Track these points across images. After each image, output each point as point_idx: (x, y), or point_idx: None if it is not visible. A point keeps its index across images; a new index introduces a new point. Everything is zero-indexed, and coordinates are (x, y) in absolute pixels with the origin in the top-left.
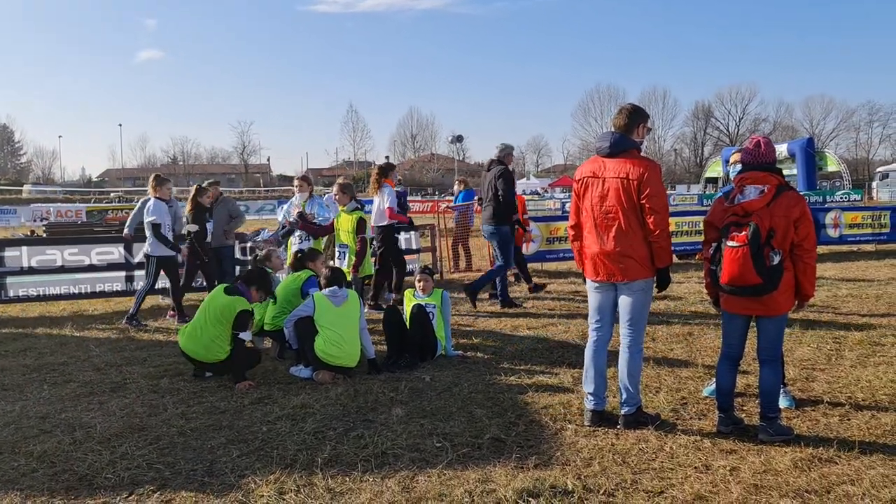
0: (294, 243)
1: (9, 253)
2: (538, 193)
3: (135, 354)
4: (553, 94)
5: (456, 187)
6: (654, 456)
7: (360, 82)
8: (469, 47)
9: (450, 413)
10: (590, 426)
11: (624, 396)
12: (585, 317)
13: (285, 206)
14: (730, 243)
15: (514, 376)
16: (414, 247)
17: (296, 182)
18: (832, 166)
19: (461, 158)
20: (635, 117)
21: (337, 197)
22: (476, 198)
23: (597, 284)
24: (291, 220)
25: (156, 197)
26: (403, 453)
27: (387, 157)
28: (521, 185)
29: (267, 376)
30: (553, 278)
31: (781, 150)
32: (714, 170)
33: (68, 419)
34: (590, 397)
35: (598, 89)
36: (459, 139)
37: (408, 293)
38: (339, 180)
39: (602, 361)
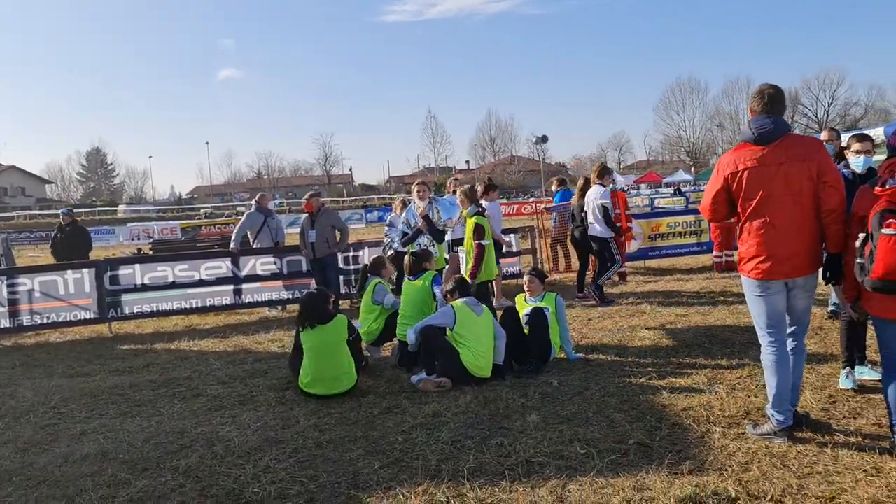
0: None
1: (123, 271)
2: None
3: (256, 367)
4: (632, 89)
5: (554, 187)
6: (816, 459)
7: (437, 88)
8: (542, 47)
9: (587, 418)
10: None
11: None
12: (703, 315)
13: (403, 215)
14: (885, 231)
15: (644, 378)
16: (514, 249)
17: (415, 188)
18: None
19: (543, 159)
20: (781, 101)
21: (460, 200)
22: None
23: (769, 285)
24: (414, 224)
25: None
26: (549, 461)
27: (467, 162)
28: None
29: (391, 385)
30: (657, 276)
31: (878, 133)
32: None
33: (205, 433)
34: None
35: (679, 82)
36: (544, 139)
37: (519, 298)
38: (464, 186)
39: (788, 370)
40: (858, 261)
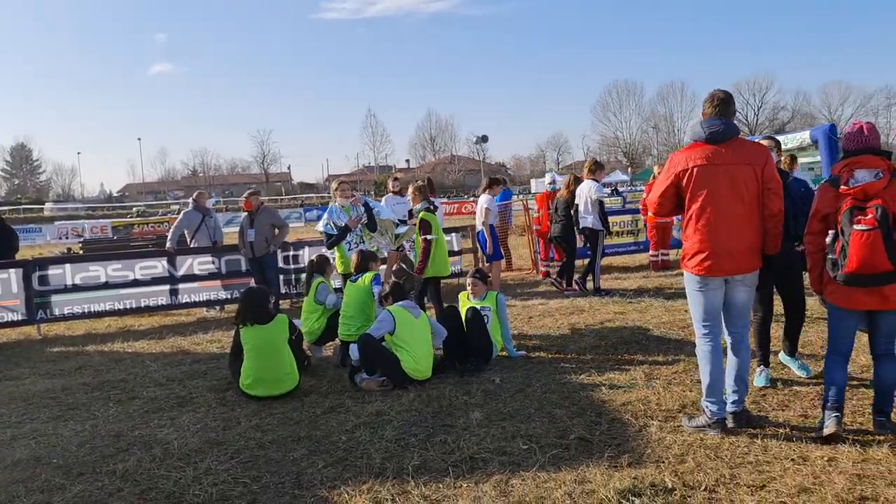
0: (349, 247)
1: (52, 271)
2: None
3: (194, 368)
4: (570, 91)
5: (482, 188)
6: (747, 450)
7: (376, 87)
8: (482, 48)
9: (529, 414)
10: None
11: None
12: (640, 312)
13: (325, 217)
14: (857, 227)
15: (584, 374)
16: (455, 248)
17: (335, 187)
18: None
19: (483, 159)
20: (731, 105)
21: (412, 196)
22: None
23: (708, 281)
24: (341, 225)
25: None
26: (492, 457)
27: (407, 161)
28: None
29: (334, 384)
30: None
31: (804, 137)
32: None
33: (142, 436)
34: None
35: (617, 85)
36: (484, 139)
37: (462, 296)
38: (417, 182)
39: (721, 362)
40: (830, 257)
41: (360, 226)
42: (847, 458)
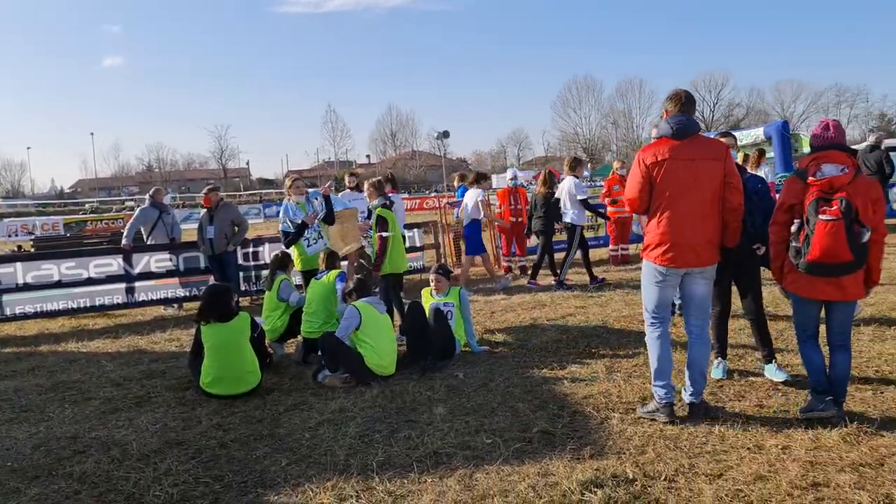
0: (307, 244)
1: (2, 270)
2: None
3: (152, 367)
4: (530, 86)
5: (456, 183)
6: (705, 440)
7: (336, 81)
8: (442, 43)
9: (492, 409)
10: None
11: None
12: (601, 306)
13: (280, 214)
14: (822, 217)
15: (546, 368)
16: (417, 244)
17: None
18: (807, 147)
19: (444, 154)
20: (693, 103)
21: (368, 193)
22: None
23: (671, 273)
24: (299, 222)
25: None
26: (456, 452)
27: (367, 157)
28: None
29: (296, 382)
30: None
31: (758, 133)
32: None
33: (100, 437)
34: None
35: (576, 81)
36: (446, 135)
37: (425, 292)
38: (372, 179)
39: (670, 348)
40: (794, 244)
41: (317, 221)
42: (800, 446)
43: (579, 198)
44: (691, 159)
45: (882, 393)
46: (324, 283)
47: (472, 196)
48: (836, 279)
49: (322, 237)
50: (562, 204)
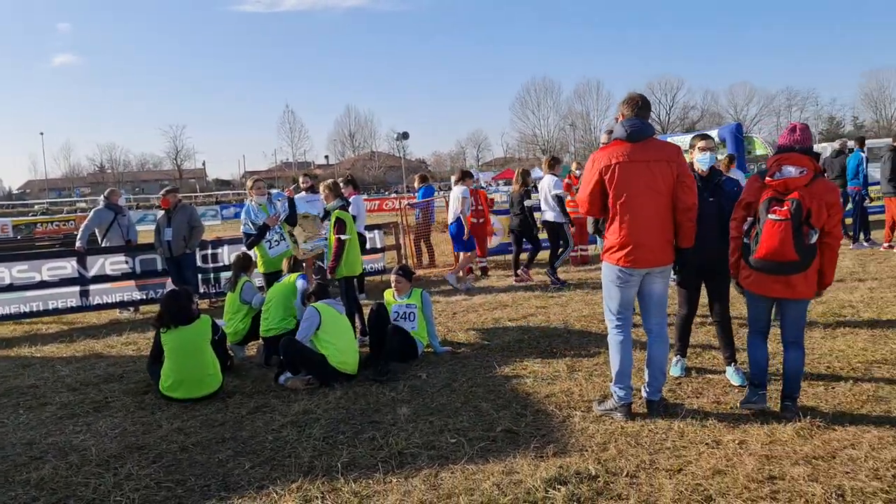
0: (269, 246)
1: None
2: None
3: (109, 372)
4: (489, 88)
5: (416, 184)
6: (664, 436)
7: (294, 82)
8: (400, 43)
9: (455, 408)
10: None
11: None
12: (561, 306)
13: (242, 216)
14: (771, 216)
15: (509, 368)
16: (378, 245)
17: (249, 184)
18: (760, 150)
19: (404, 155)
20: (648, 107)
21: (324, 195)
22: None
23: (633, 273)
24: (260, 224)
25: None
26: (420, 452)
27: (326, 157)
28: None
29: (258, 384)
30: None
31: (713, 135)
32: None
33: (57, 443)
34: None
35: (535, 82)
36: (405, 136)
37: (387, 293)
38: (327, 181)
39: (631, 351)
40: (745, 241)
41: (279, 223)
42: (756, 441)
43: (554, 192)
44: (646, 161)
45: (833, 388)
46: (285, 284)
47: (457, 193)
48: (786, 278)
49: (284, 239)
50: (542, 202)
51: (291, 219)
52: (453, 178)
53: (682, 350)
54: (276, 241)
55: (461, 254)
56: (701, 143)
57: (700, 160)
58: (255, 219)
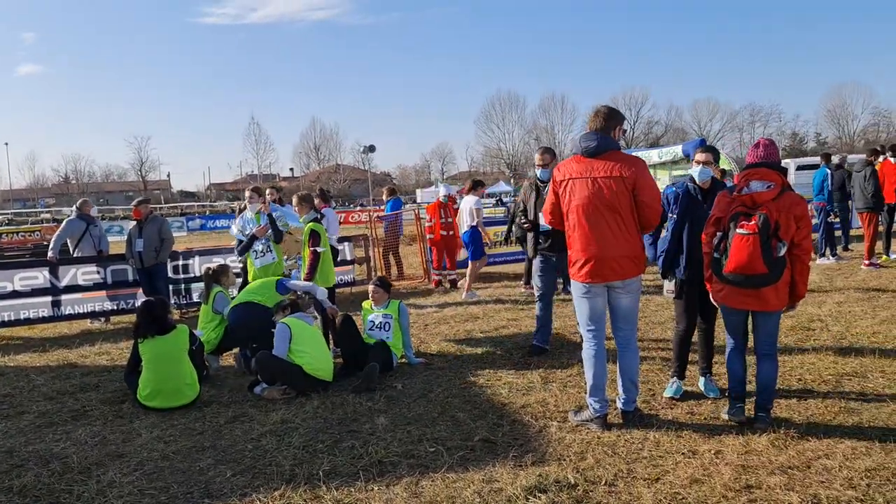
0: (255, 256)
1: None
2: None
3: (85, 381)
4: (454, 102)
5: (385, 197)
6: (641, 446)
7: (259, 94)
8: (366, 57)
9: (433, 418)
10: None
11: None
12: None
13: (237, 222)
14: (739, 230)
15: (483, 379)
16: (348, 258)
17: (247, 194)
18: (724, 164)
19: (369, 168)
20: (612, 120)
21: (296, 208)
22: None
23: (591, 287)
24: (248, 233)
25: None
26: (400, 460)
27: (291, 170)
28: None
29: (235, 394)
30: (487, 282)
31: (677, 150)
32: None
33: (38, 451)
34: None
35: (500, 96)
36: (371, 149)
37: (365, 304)
38: (300, 192)
39: (604, 364)
40: (715, 255)
41: (266, 235)
42: (732, 451)
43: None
44: (600, 177)
45: (805, 400)
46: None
47: (468, 203)
48: (756, 291)
49: (271, 251)
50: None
51: (276, 235)
52: (465, 187)
53: (680, 371)
54: (261, 252)
55: (471, 263)
56: (698, 156)
57: (694, 172)
58: (244, 227)
